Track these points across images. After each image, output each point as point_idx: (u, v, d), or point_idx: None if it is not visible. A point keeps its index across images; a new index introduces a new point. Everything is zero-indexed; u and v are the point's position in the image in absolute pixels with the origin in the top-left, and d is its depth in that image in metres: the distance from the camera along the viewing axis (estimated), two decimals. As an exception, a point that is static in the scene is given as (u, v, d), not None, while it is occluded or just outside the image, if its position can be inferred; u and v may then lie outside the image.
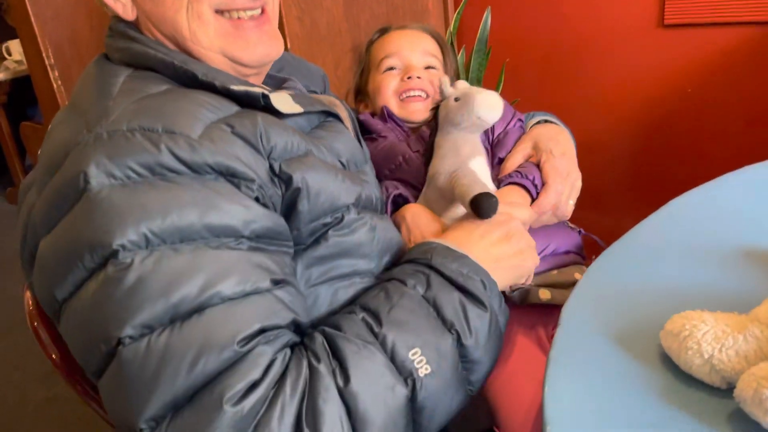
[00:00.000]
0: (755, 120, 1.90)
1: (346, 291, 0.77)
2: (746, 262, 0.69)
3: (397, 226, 0.92)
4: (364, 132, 1.13)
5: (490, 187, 0.94)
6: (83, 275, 0.61)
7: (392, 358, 0.65)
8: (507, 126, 1.09)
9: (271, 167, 0.71)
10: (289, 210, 0.73)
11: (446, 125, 0.93)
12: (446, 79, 0.95)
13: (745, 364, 0.51)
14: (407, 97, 1.13)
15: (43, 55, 2.73)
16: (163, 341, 0.58)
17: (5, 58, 3.66)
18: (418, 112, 1.12)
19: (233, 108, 0.74)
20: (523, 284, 0.89)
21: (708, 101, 1.96)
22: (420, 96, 1.13)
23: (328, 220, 0.75)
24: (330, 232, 0.75)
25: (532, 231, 0.94)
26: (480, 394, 0.93)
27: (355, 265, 0.77)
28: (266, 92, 0.75)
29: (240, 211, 0.65)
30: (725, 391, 0.53)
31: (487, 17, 1.94)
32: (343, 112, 0.94)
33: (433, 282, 0.72)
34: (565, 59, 2.15)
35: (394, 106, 1.13)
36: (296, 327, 0.67)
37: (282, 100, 0.77)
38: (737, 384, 0.49)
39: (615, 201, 2.14)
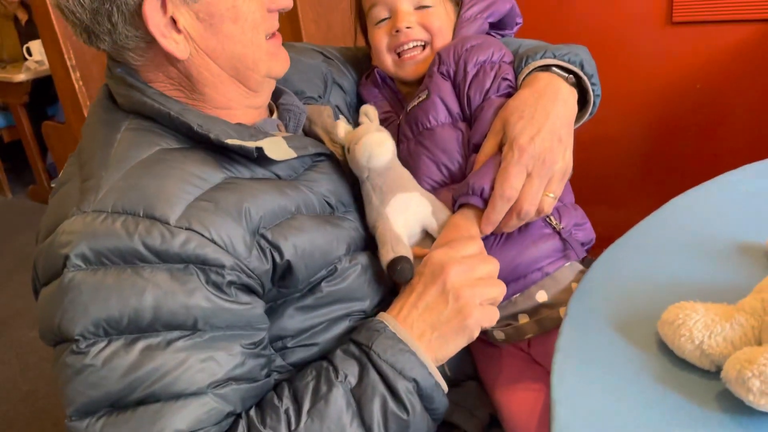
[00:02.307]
0: (762, 116, 1.94)
1: (339, 333, 0.81)
2: (737, 258, 0.75)
3: None
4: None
5: (430, 222, 0.86)
6: (55, 339, 0.70)
7: None
8: (486, 95, 0.90)
9: (261, 236, 0.74)
10: (283, 276, 0.76)
11: (355, 173, 0.88)
12: (340, 125, 0.89)
13: (732, 348, 0.57)
14: (402, 51, 0.97)
15: (65, 56, 2.82)
16: (98, 427, 0.66)
17: (26, 59, 3.75)
18: (416, 70, 0.98)
19: (219, 175, 0.75)
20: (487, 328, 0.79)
21: (716, 98, 2.00)
22: (416, 48, 0.97)
23: (323, 273, 0.79)
24: (323, 283, 0.79)
25: (493, 248, 0.87)
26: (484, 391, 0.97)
27: (348, 307, 0.82)
28: (259, 146, 0.76)
29: (199, 307, 0.68)
30: (714, 373, 0.59)
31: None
32: (333, 136, 0.93)
33: (365, 375, 0.72)
34: (574, 57, 2.19)
35: (390, 65, 0.99)
36: (233, 415, 0.71)
37: (275, 148, 0.78)
38: (724, 366, 0.55)
39: (624, 194, 2.18)
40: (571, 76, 0.90)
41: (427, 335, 0.75)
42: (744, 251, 0.76)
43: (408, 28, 0.95)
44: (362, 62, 1.15)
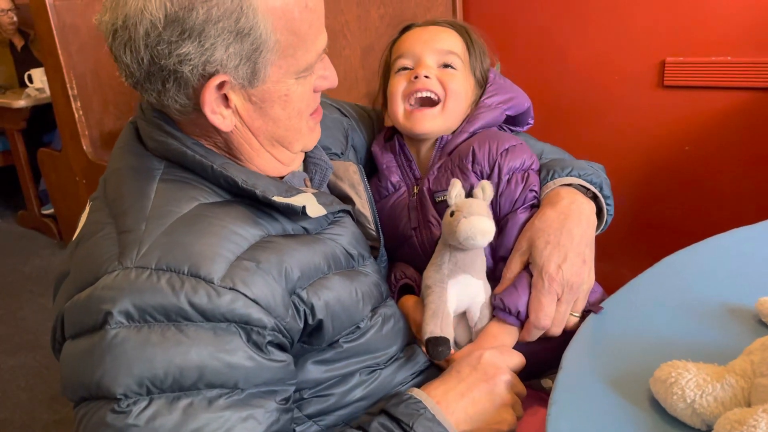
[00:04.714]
0: (749, 181, 1.99)
1: (353, 384, 0.84)
2: (727, 319, 0.77)
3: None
4: (375, 170, 1.10)
5: (475, 311, 0.92)
6: (87, 395, 0.68)
7: None
8: (513, 205, 0.95)
9: (297, 296, 0.76)
10: (311, 334, 0.79)
11: (443, 235, 0.92)
12: (456, 184, 0.90)
13: (722, 408, 0.59)
14: (415, 101, 1.01)
15: (68, 85, 2.85)
16: None
17: (27, 86, 3.78)
18: (422, 125, 1.00)
19: (256, 233, 0.76)
20: None
21: (704, 161, 2.05)
22: (429, 99, 1.00)
23: (346, 333, 0.83)
24: (341, 339, 0.82)
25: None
26: None
27: (363, 360, 0.85)
28: (303, 204, 0.79)
29: (242, 366, 0.69)
30: (704, 432, 0.60)
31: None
32: (359, 190, 0.97)
33: None
34: (568, 116, 2.25)
35: (401, 114, 1.02)
36: None
37: (311, 205, 0.80)
38: (714, 426, 0.57)
39: (614, 249, 2.21)
40: (590, 190, 0.96)
41: (462, 426, 0.79)
42: (733, 313, 0.78)
43: (426, 77, 0.99)
44: (373, 123, 1.18)
